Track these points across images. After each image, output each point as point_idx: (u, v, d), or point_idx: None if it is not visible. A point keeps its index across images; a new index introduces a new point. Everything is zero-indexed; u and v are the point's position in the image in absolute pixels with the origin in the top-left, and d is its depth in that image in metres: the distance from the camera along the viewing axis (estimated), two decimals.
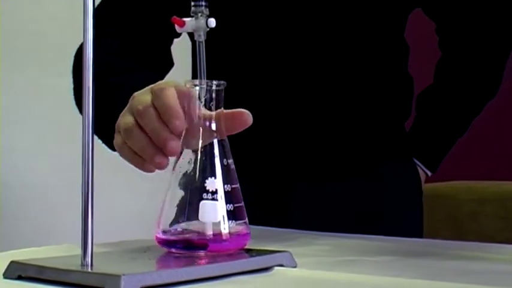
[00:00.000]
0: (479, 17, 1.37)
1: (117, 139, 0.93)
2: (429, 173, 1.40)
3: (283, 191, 1.23)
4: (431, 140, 1.40)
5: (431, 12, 1.35)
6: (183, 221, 0.83)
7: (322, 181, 1.22)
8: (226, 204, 0.83)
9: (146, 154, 0.89)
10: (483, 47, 1.40)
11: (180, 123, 0.84)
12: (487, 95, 1.44)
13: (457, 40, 1.40)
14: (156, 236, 0.84)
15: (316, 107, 1.22)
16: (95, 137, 0.79)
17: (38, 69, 2.29)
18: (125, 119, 0.91)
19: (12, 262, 0.78)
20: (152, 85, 0.90)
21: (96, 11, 0.76)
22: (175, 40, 1.26)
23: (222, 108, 0.85)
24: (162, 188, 0.86)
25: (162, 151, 0.87)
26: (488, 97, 1.44)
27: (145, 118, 0.88)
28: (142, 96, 0.90)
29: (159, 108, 0.87)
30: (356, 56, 1.23)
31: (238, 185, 0.85)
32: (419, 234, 1.32)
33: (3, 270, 0.78)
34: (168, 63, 1.26)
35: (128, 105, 0.92)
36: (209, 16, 0.85)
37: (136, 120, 0.89)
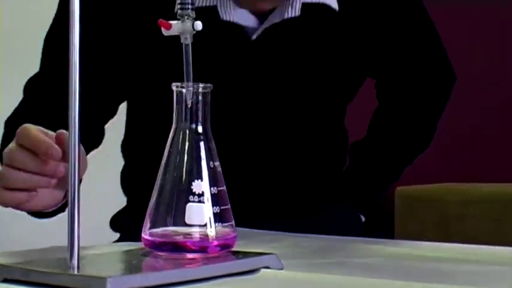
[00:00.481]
0: (417, 74, 1.41)
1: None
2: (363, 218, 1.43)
3: None
4: (362, 186, 1.43)
5: (374, 73, 1.39)
6: (170, 223, 0.83)
7: (267, 223, 1.22)
8: (213, 206, 0.83)
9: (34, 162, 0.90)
10: (418, 103, 1.44)
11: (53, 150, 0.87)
12: (418, 148, 1.49)
13: (395, 94, 1.44)
14: (143, 238, 0.84)
15: (264, 157, 1.25)
16: None
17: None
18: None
19: None
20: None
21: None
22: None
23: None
24: None
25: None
26: (420, 150, 1.49)
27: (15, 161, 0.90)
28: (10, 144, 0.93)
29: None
30: (300, 121, 1.26)
31: (224, 188, 0.85)
32: None
33: None
34: (98, 140, 1.26)
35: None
36: (195, 20, 0.85)
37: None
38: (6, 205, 0.93)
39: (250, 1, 1.16)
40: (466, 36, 3.00)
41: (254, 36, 1.17)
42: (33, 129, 0.90)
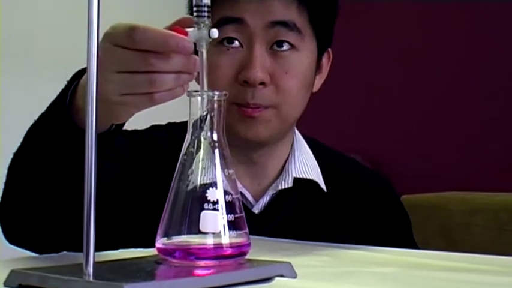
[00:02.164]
0: None
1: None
2: None
3: None
4: None
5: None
6: (184, 231, 0.83)
7: None
8: (227, 214, 0.83)
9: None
10: None
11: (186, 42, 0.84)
12: None
13: None
14: (157, 246, 0.84)
15: None
16: None
17: (32, 74, 2.30)
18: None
19: (12, 271, 0.78)
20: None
21: None
22: None
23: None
24: None
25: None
26: None
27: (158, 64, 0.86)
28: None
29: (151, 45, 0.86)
30: None
31: (239, 195, 0.85)
32: None
33: (3, 279, 0.78)
34: None
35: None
36: (211, 27, 0.86)
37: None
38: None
39: (242, 131, 1.22)
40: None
41: (257, 211, 1.27)
42: (151, 28, 0.86)
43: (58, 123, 0.96)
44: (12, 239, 1.06)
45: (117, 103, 0.90)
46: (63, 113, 0.96)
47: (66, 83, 0.99)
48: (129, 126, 1.24)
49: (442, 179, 3.03)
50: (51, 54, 2.42)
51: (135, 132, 1.31)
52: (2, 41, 2.32)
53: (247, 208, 1.27)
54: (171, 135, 1.29)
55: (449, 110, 3.14)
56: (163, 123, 1.36)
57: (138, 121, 1.26)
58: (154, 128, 1.35)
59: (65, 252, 1.00)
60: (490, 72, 3.07)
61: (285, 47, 1.22)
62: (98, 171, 1.02)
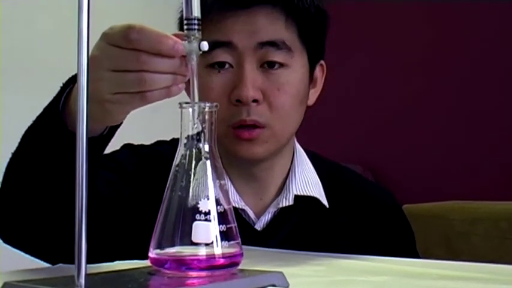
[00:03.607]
0: None
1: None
2: None
3: None
4: None
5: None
6: (176, 242, 0.83)
7: None
8: (219, 225, 0.84)
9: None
10: None
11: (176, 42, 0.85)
12: None
13: None
14: (150, 256, 0.84)
15: None
16: None
17: (28, 90, 2.30)
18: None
19: (5, 283, 0.78)
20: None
21: None
22: None
23: None
24: None
25: None
26: None
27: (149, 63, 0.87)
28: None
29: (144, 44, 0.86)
30: None
31: (231, 206, 0.86)
32: None
33: None
34: None
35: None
36: (201, 40, 0.87)
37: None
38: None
39: (240, 152, 1.24)
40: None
41: (259, 228, 1.28)
42: (147, 28, 0.87)
43: (50, 126, 0.98)
44: (6, 238, 1.07)
45: (109, 101, 0.90)
46: (55, 115, 0.97)
47: (61, 85, 1.00)
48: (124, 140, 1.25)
49: (443, 188, 3.02)
50: (50, 69, 2.44)
51: (141, 146, 1.32)
52: (4, 41, 2.33)
53: (249, 225, 1.28)
54: (176, 150, 1.30)
55: (449, 119, 3.14)
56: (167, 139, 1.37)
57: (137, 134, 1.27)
58: (159, 144, 1.36)
59: (60, 264, 1.00)
60: (493, 82, 3.07)
61: (276, 66, 1.23)
62: (95, 181, 1.03)
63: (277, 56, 1.23)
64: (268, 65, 1.23)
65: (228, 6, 1.22)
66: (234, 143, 1.23)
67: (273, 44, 1.23)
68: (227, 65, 1.23)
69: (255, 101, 1.22)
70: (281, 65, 1.23)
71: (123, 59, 0.88)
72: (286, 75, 1.24)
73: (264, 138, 1.24)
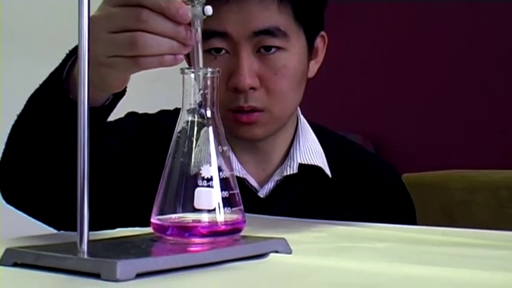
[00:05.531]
0: None
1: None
2: None
3: None
4: None
5: None
6: (178, 208, 0.83)
7: None
8: (222, 191, 0.83)
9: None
10: None
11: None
12: None
13: None
14: (152, 223, 0.84)
15: None
16: None
17: (31, 61, 2.29)
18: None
19: (7, 249, 0.78)
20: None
21: None
22: None
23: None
24: None
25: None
26: None
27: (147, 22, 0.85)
28: None
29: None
30: None
31: (233, 172, 0.85)
32: None
33: None
34: None
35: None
36: (205, 5, 0.85)
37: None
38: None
39: (240, 134, 1.24)
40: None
41: (262, 195, 1.28)
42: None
43: (52, 93, 0.97)
44: (9, 199, 1.07)
45: (104, 65, 0.89)
46: (58, 83, 0.96)
47: (67, 52, 0.99)
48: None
49: (442, 157, 3.02)
50: (52, 38, 2.43)
51: (145, 114, 1.32)
52: (4, 40, 2.32)
53: (252, 192, 1.27)
54: None
55: (449, 89, 3.13)
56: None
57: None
58: (163, 113, 1.35)
59: (62, 231, 1.00)
60: (493, 47, 3.07)
61: (272, 50, 1.22)
62: (98, 148, 1.02)
63: (273, 42, 1.22)
64: (264, 49, 1.22)
65: None
66: (234, 126, 1.23)
67: (268, 32, 1.21)
68: (223, 51, 1.22)
69: (252, 88, 1.21)
70: (278, 48, 1.23)
71: (123, 17, 0.86)
72: (283, 58, 1.23)
73: (264, 121, 1.23)
